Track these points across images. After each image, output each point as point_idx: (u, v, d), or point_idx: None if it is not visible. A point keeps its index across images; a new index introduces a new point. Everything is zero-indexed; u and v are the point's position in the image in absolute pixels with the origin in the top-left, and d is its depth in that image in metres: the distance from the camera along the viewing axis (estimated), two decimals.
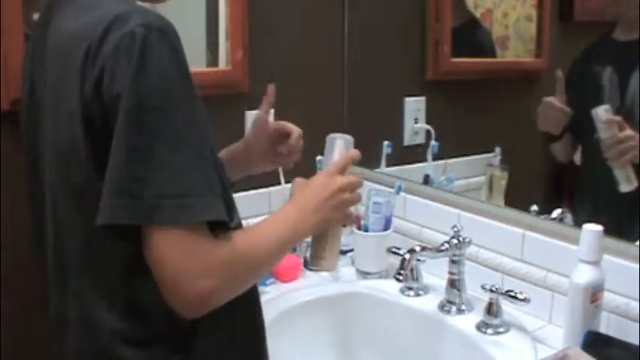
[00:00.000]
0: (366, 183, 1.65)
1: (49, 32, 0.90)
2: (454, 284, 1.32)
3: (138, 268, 0.81)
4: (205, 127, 0.82)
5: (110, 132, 0.77)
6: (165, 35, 0.79)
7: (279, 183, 1.57)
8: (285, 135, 1.20)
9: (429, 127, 1.68)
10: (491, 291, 1.24)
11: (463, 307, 1.32)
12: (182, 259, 0.78)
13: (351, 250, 1.57)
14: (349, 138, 1.09)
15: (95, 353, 0.88)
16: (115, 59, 0.77)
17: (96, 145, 0.80)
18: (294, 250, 1.58)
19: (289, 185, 1.57)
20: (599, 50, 1.40)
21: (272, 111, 1.59)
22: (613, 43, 1.37)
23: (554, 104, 1.42)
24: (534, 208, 1.37)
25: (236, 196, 0.94)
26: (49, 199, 0.91)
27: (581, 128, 1.41)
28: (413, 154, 1.69)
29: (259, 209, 1.50)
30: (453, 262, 1.32)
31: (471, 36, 1.71)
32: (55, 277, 0.94)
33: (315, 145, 1.61)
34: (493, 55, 1.67)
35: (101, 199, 0.78)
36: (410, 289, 1.41)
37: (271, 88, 1.17)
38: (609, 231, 1.15)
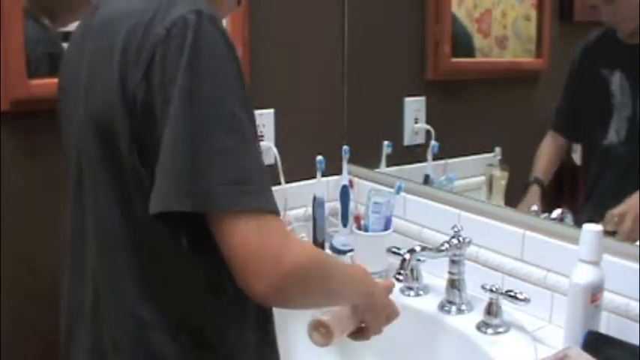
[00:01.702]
0: (366, 183, 1.65)
1: (96, 16, 0.90)
2: (454, 284, 1.32)
3: (179, 259, 0.84)
4: (253, 114, 0.83)
5: (152, 115, 0.78)
6: (216, 21, 0.80)
7: (279, 183, 1.57)
8: None
9: (429, 127, 1.68)
10: (492, 291, 1.24)
11: (463, 307, 1.32)
12: (255, 245, 0.76)
13: (351, 250, 1.57)
14: None
15: (127, 341, 0.88)
16: (166, 45, 0.77)
17: (134, 125, 0.80)
18: None
19: (289, 185, 1.58)
20: (605, 50, 1.38)
21: (272, 111, 1.60)
22: (620, 45, 1.34)
23: None
24: (534, 208, 1.37)
25: None
26: (80, 183, 0.91)
27: (585, 131, 1.40)
28: (413, 154, 1.69)
29: None
30: (453, 262, 1.32)
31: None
32: (78, 261, 0.94)
33: (315, 145, 1.62)
34: (470, 52, 1.67)
35: (156, 186, 0.77)
36: (410, 289, 1.41)
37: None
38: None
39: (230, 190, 0.76)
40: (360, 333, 1.05)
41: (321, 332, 0.99)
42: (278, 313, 0.98)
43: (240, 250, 0.76)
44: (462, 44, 1.69)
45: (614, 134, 1.33)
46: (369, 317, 1.03)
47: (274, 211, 0.78)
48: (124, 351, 0.88)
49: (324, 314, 0.99)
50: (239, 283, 0.78)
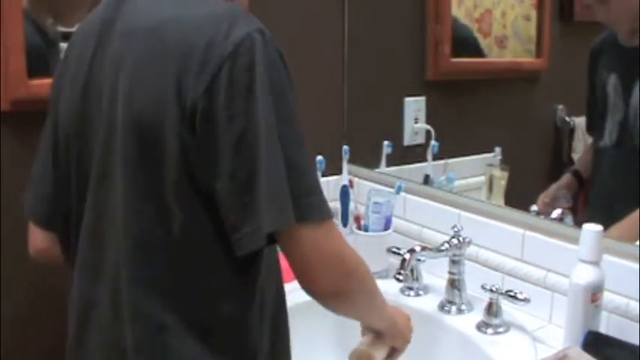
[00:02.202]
0: (366, 183, 1.65)
1: (122, 15, 0.89)
2: (454, 284, 1.32)
3: (211, 268, 0.85)
4: None
5: (213, 128, 0.79)
6: (275, 41, 0.83)
7: None
8: None
9: (429, 127, 1.68)
10: (492, 291, 1.24)
11: (463, 307, 1.32)
12: (322, 250, 0.83)
13: None
14: None
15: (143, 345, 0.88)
16: (233, 61, 0.78)
17: (189, 134, 0.80)
18: None
19: None
20: (605, 52, 1.38)
21: None
22: (617, 48, 1.34)
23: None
24: (534, 208, 1.37)
25: None
26: (102, 185, 0.90)
27: (591, 132, 1.41)
28: (413, 154, 1.69)
29: None
30: (453, 262, 1.32)
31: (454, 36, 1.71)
32: (92, 262, 0.93)
33: (315, 145, 1.62)
34: (478, 52, 1.67)
35: (235, 209, 0.80)
36: (410, 289, 1.41)
37: None
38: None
39: (304, 202, 0.81)
40: (389, 357, 1.09)
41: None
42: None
43: (310, 254, 0.82)
44: (469, 46, 1.68)
45: (608, 136, 1.34)
46: (399, 343, 1.08)
47: (332, 216, 0.85)
48: (144, 353, 0.88)
49: (362, 345, 1.06)
50: (304, 285, 0.84)
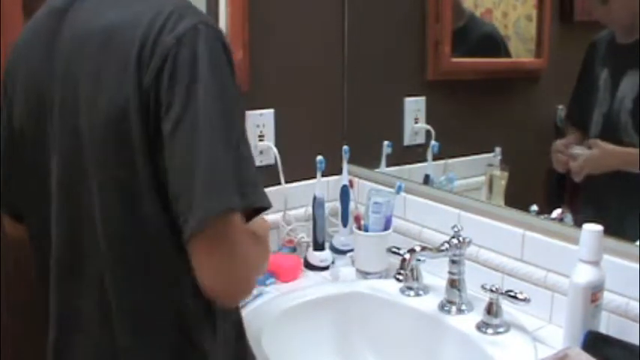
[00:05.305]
0: (366, 183, 1.65)
1: (69, 22, 0.89)
2: (454, 284, 1.32)
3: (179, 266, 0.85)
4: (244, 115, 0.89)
5: (158, 118, 0.80)
6: (222, 33, 0.85)
7: (279, 183, 1.57)
8: None
9: (429, 127, 1.68)
10: (492, 291, 1.24)
11: (463, 307, 1.32)
12: (235, 248, 0.82)
13: (351, 250, 1.57)
14: None
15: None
16: (176, 52, 0.80)
17: (148, 135, 0.81)
18: (294, 249, 1.59)
19: (289, 185, 1.59)
20: (602, 50, 1.40)
21: (272, 111, 1.60)
22: (613, 45, 1.36)
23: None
24: (534, 208, 1.37)
25: None
26: (70, 193, 0.90)
27: (584, 127, 1.41)
28: (413, 154, 1.69)
29: None
30: (453, 262, 1.32)
31: (475, 35, 1.70)
32: (71, 271, 0.93)
33: (315, 145, 1.62)
34: (506, 51, 1.66)
35: (182, 200, 0.79)
36: (410, 289, 1.41)
37: None
38: (611, 232, 1.16)
39: (250, 191, 0.81)
40: None
41: None
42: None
43: (203, 254, 0.81)
44: (495, 45, 1.68)
45: (594, 129, 1.35)
46: None
47: (236, 208, 0.81)
48: (143, 355, 0.89)
49: None
50: (208, 287, 0.82)
